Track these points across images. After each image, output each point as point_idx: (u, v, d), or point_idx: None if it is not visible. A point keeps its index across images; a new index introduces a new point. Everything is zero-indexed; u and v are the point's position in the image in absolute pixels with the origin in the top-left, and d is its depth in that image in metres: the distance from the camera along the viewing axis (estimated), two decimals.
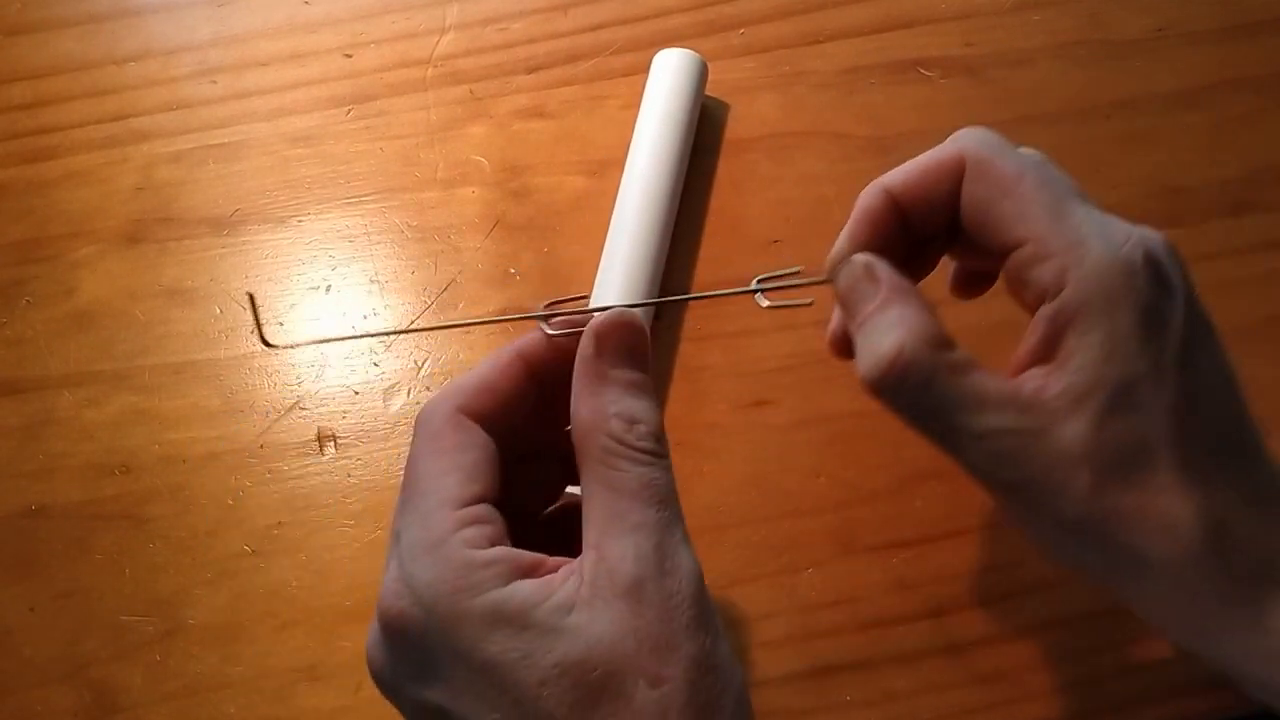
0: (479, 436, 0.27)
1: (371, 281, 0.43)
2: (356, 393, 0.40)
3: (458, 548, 0.24)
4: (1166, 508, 0.26)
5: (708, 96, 0.45)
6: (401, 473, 0.39)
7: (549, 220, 0.43)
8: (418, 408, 0.40)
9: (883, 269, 0.27)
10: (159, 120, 0.46)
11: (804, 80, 0.46)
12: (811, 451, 0.39)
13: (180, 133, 0.46)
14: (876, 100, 0.46)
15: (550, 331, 0.27)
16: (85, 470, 0.39)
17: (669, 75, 0.44)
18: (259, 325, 0.29)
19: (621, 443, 0.25)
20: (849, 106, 0.46)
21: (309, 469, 0.39)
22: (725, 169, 0.44)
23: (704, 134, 0.45)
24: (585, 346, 0.26)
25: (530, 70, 0.47)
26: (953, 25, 0.48)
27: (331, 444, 0.39)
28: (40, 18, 0.49)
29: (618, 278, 0.39)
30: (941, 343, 0.26)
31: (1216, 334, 0.28)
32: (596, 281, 0.40)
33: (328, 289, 0.43)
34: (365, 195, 0.44)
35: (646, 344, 0.26)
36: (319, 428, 0.40)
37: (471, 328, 0.41)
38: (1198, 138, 0.45)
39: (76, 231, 0.44)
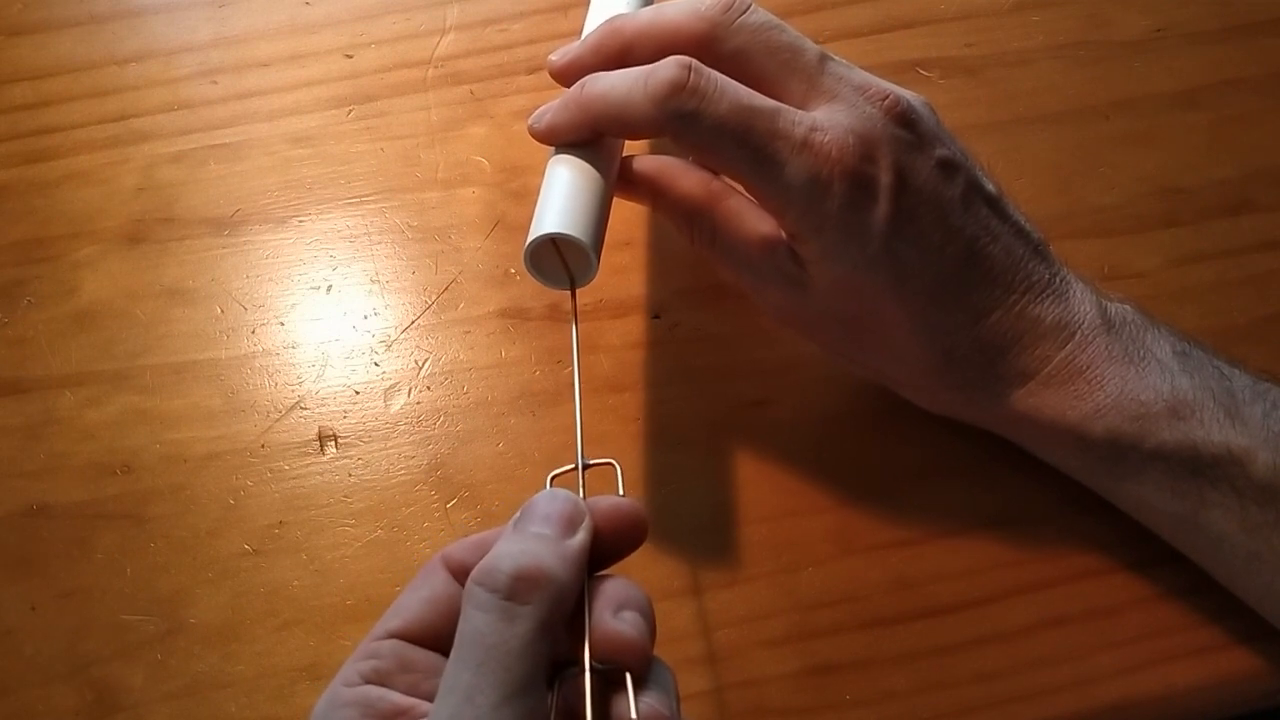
0: (437, 578, 0.27)
1: (372, 281, 0.43)
2: (357, 392, 0.41)
3: (338, 680, 0.25)
4: (902, 347, 0.35)
5: None
6: (402, 473, 0.39)
7: None
8: (418, 407, 0.40)
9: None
10: (160, 121, 0.46)
11: None
12: (811, 451, 0.39)
13: (181, 133, 0.46)
14: None
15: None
16: (86, 470, 0.39)
17: None
18: (570, 273, 0.34)
19: (478, 584, 0.25)
20: None
21: (310, 469, 0.39)
22: None
23: None
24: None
25: (531, 71, 0.47)
26: (953, 26, 0.48)
27: (332, 443, 0.40)
28: (41, 18, 0.49)
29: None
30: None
31: (929, 194, 0.33)
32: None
33: (328, 289, 0.43)
34: (366, 195, 0.44)
35: (580, 515, 0.27)
36: (320, 427, 0.40)
37: (472, 327, 0.42)
38: (1196, 138, 0.45)
39: (78, 232, 0.44)
